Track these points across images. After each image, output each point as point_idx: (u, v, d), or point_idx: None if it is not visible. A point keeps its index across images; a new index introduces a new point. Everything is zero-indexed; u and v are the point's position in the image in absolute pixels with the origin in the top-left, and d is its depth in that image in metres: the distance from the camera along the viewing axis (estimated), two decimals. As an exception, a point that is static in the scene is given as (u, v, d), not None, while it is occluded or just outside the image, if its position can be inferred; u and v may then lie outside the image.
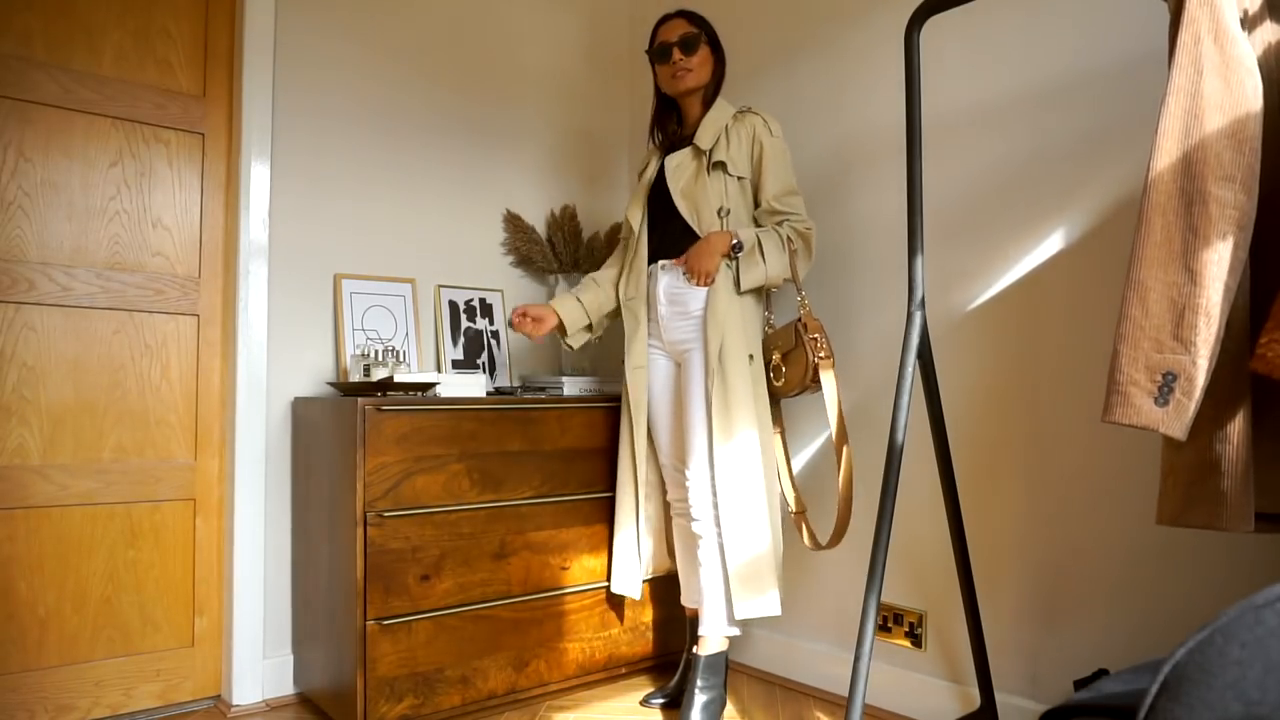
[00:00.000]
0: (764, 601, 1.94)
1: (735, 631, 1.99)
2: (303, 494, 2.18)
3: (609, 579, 2.26)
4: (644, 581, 2.21)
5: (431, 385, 2.11)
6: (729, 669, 2.18)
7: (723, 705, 1.98)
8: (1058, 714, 0.79)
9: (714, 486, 1.95)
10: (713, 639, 1.98)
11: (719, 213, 2.03)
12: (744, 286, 1.98)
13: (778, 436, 2.08)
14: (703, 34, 2.07)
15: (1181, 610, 1.63)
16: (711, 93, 2.12)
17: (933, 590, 2.04)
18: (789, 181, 2.06)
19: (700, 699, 1.94)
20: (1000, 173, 1.93)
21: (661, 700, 2.12)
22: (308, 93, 2.32)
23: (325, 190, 2.34)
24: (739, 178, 2.04)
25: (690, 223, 2.04)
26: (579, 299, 2.20)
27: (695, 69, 2.06)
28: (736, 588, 1.93)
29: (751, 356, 2.00)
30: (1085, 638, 1.77)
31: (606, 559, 2.27)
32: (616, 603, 2.30)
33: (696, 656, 1.97)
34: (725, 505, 1.94)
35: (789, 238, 2.01)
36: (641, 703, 2.13)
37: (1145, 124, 1.69)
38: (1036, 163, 1.86)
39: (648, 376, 2.14)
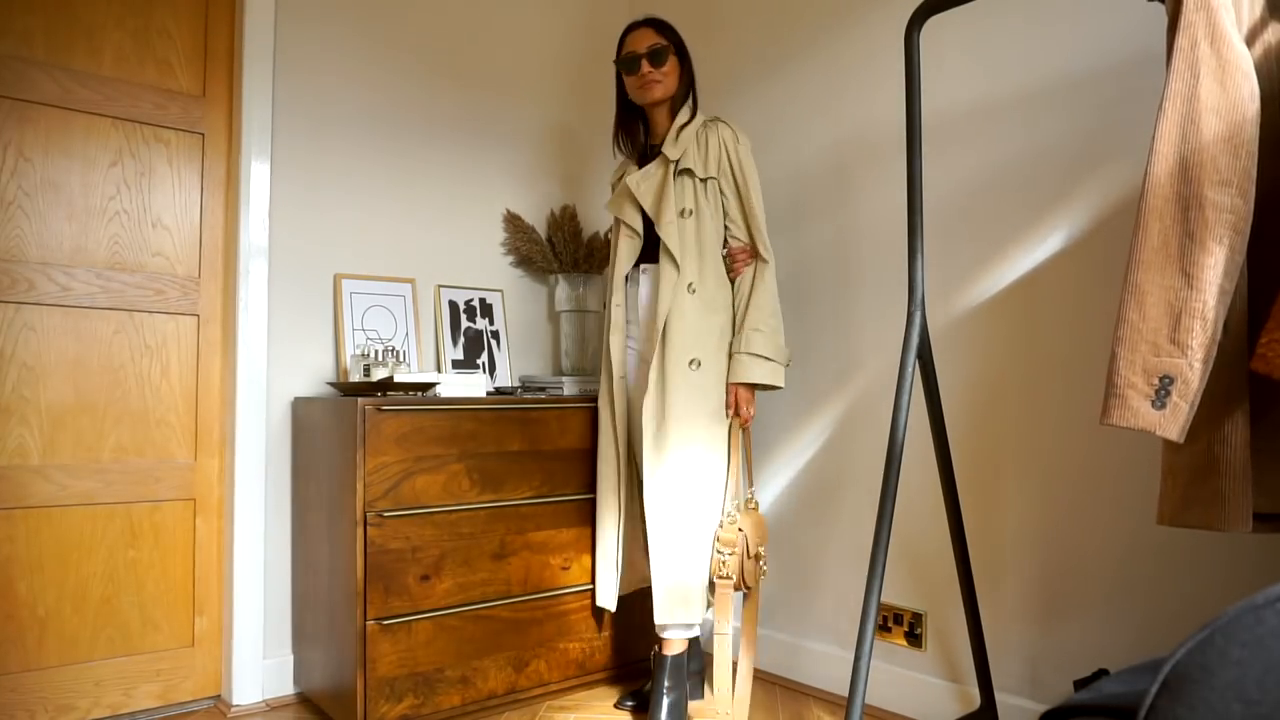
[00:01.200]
0: (686, 616, 1.95)
1: (692, 633, 2.01)
2: (303, 494, 2.18)
3: (593, 585, 2.25)
4: (620, 596, 2.19)
5: (431, 385, 2.11)
6: (701, 668, 2.19)
7: (685, 705, 2.00)
8: (1058, 714, 0.79)
9: (645, 494, 1.98)
10: (674, 641, 2.00)
11: (681, 214, 2.02)
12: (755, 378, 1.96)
13: (738, 449, 2.02)
14: (671, 45, 2.05)
15: (1181, 610, 1.64)
16: (679, 102, 2.09)
17: (933, 590, 2.04)
18: (761, 209, 2.03)
19: (665, 701, 1.96)
20: (1000, 173, 1.93)
21: (632, 703, 2.12)
22: (308, 92, 2.32)
23: (325, 190, 2.34)
24: (705, 179, 2.02)
25: (655, 227, 2.04)
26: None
27: (664, 80, 2.05)
28: (660, 600, 1.95)
29: (696, 362, 1.96)
30: (1085, 638, 1.77)
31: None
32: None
33: (662, 658, 1.99)
34: (654, 526, 1.96)
35: (755, 330, 1.96)
36: (615, 705, 2.14)
37: (1144, 125, 1.70)
38: (1036, 163, 1.87)
39: (628, 385, 2.14)
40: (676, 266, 1.99)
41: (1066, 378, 1.81)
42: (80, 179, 2.06)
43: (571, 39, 2.88)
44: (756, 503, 2.06)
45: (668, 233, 2.00)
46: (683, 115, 2.08)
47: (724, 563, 1.92)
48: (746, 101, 2.53)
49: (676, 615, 1.94)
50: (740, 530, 1.93)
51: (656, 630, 2.00)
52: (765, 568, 2.01)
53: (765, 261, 1.99)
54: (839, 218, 2.28)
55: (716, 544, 1.94)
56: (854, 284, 2.24)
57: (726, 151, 2.01)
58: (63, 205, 2.03)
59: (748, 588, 1.97)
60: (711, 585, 1.97)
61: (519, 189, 2.73)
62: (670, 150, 2.04)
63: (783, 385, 1.99)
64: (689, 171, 2.02)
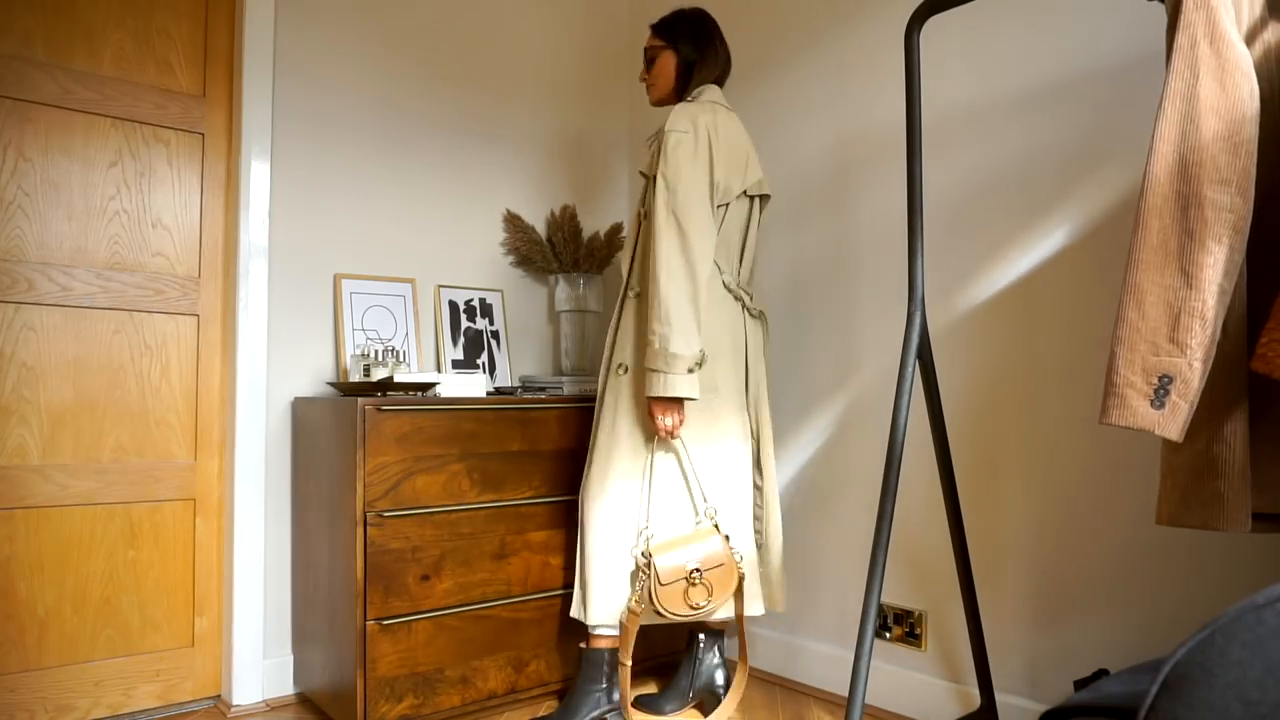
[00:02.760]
0: (579, 615, 1.96)
1: (591, 629, 1.97)
2: (303, 494, 2.18)
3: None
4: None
5: (431, 385, 2.11)
6: (611, 668, 2.02)
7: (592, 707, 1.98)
8: (1058, 714, 0.79)
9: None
10: (596, 637, 1.99)
11: (638, 218, 2.03)
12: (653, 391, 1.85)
13: (670, 456, 1.95)
14: (662, 42, 2.05)
15: (1181, 610, 1.64)
16: (679, 97, 2.07)
17: (933, 590, 2.04)
18: (666, 197, 1.88)
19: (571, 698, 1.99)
20: (1000, 173, 1.93)
21: (674, 705, 2.09)
22: (308, 93, 2.32)
23: (325, 190, 2.34)
24: (651, 176, 1.97)
25: None
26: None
27: (656, 83, 2.08)
28: (575, 594, 1.98)
29: (623, 367, 1.97)
30: (1085, 638, 1.77)
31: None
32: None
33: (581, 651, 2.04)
34: (581, 520, 1.99)
35: (650, 335, 1.86)
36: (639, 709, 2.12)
37: (1144, 125, 1.70)
38: (1036, 163, 1.87)
39: None
40: (625, 275, 2.04)
41: (1066, 378, 1.81)
42: (80, 179, 2.06)
43: (572, 39, 2.88)
44: (716, 523, 1.91)
45: (626, 243, 2.06)
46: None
47: (634, 591, 1.89)
48: (746, 102, 2.53)
49: (575, 611, 1.97)
50: (644, 555, 1.84)
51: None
52: (698, 601, 1.85)
53: (658, 258, 1.86)
54: (839, 218, 2.28)
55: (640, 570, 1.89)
56: (854, 284, 2.24)
57: (658, 138, 1.96)
58: (63, 205, 2.03)
59: (666, 614, 1.84)
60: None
61: (519, 189, 2.73)
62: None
63: (693, 397, 1.82)
64: (644, 172, 2.03)
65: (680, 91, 2.08)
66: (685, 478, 1.95)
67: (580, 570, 1.97)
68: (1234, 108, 1.07)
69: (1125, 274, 1.12)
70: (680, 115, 1.93)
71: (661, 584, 1.83)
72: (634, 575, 1.92)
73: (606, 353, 2.05)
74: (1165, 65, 1.14)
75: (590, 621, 1.93)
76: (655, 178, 1.91)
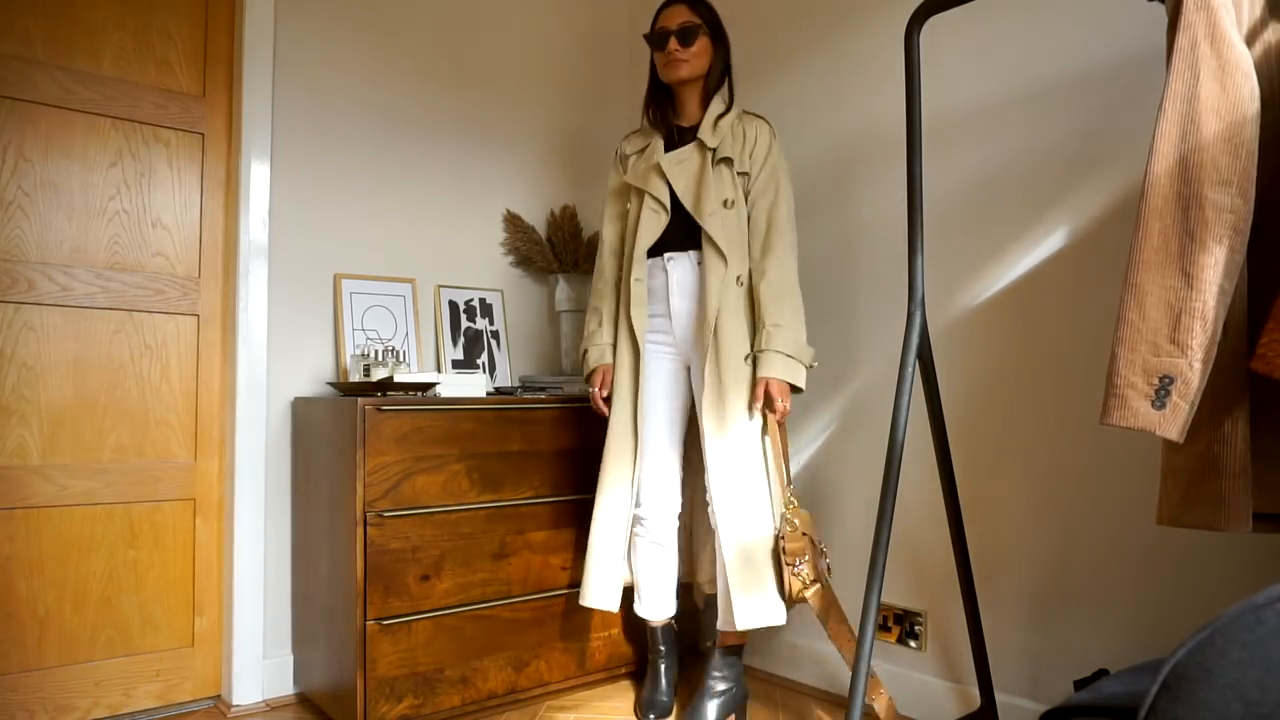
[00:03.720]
0: (764, 610, 1.87)
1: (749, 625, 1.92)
2: (303, 494, 2.18)
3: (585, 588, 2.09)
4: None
5: (431, 385, 2.11)
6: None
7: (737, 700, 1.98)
8: (1058, 714, 0.79)
9: (711, 492, 1.91)
10: (732, 633, 1.97)
11: (724, 204, 1.96)
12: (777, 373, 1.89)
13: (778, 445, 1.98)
14: (704, 24, 1.99)
15: (1181, 610, 1.64)
16: (713, 85, 2.04)
17: (933, 590, 2.04)
18: (789, 201, 1.99)
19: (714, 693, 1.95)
20: (1000, 173, 1.93)
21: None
22: (308, 93, 2.32)
23: (325, 190, 2.34)
24: (741, 173, 1.98)
25: (695, 217, 1.96)
26: (609, 335, 2.11)
27: (691, 60, 1.98)
28: (737, 595, 1.87)
29: (750, 358, 1.94)
30: (1085, 638, 1.77)
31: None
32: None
33: (713, 649, 1.99)
34: (722, 512, 1.89)
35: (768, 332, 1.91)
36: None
37: (1144, 125, 1.70)
38: (1036, 163, 1.87)
39: (631, 373, 2.03)
40: (724, 259, 1.93)
41: (1066, 378, 1.81)
42: (80, 179, 2.06)
43: (573, 39, 2.88)
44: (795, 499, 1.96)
45: (712, 224, 1.93)
46: (718, 104, 2.02)
47: (798, 574, 1.84)
48: (747, 101, 2.53)
49: (756, 617, 1.87)
50: (804, 534, 1.85)
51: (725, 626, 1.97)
52: (827, 555, 1.97)
53: (787, 257, 1.97)
54: (839, 217, 2.28)
55: (784, 556, 1.85)
56: (854, 284, 2.24)
57: (757, 146, 1.99)
58: (63, 205, 2.03)
59: (823, 583, 1.89)
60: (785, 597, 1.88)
61: (519, 189, 2.73)
62: (708, 137, 1.98)
63: (803, 387, 1.92)
64: (728, 160, 1.97)
65: (714, 87, 2.04)
66: (786, 460, 1.98)
67: (744, 580, 1.88)
68: (1234, 108, 1.07)
69: (1126, 274, 1.12)
70: (770, 126, 2.05)
71: (819, 554, 1.90)
72: (786, 552, 1.85)
73: (713, 344, 1.92)
74: (1166, 66, 1.14)
75: (780, 620, 1.89)
76: (771, 176, 1.99)
